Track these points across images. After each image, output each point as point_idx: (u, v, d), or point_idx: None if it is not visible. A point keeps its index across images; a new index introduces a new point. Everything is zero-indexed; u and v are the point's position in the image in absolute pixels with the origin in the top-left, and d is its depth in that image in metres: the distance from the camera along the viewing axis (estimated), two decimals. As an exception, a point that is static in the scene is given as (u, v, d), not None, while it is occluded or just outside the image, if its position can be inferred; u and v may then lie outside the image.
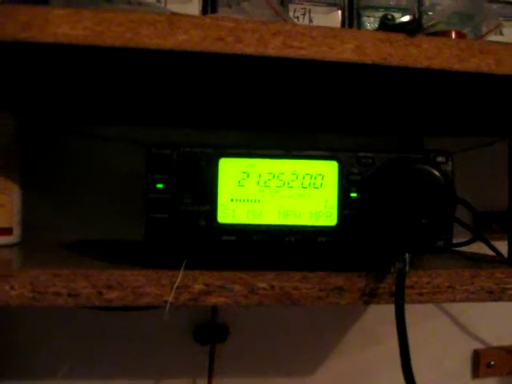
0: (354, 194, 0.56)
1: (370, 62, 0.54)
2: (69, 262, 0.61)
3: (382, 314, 1.01)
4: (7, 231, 0.74)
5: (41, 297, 0.52)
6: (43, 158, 0.93)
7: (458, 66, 0.55)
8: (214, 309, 0.96)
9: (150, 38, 0.50)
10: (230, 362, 0.98)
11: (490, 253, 0.82)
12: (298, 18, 0.73)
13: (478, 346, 1.08)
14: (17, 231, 0.76)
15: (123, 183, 0.92)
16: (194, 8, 0.70)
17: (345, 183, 0.56)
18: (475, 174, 1.04)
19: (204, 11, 0.71)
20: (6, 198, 0.73)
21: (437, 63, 0.55)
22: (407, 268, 0.54)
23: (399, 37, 0.54)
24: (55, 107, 0.83)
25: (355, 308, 1.03)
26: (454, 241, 0.74)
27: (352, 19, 0.76)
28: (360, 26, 0.75)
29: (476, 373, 1.07)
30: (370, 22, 0.75)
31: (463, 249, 0.80)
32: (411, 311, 0.97)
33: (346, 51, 0.53)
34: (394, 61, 0.54)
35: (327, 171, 0.56)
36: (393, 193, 0.53)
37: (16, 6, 0.49)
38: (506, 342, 1.08)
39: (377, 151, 0.56)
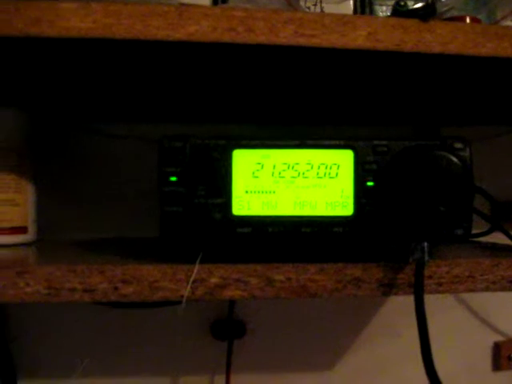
0: (370, 183, 0.55)
1: (383, 48, 0.53)
2: (84, 259, 0.61)
3: (400, 306, 1.00)
4: (22, 230, 0.74)
5: (56, 293, 0.52)
6: (56, 157, 0.93)
7: (473, 51, 0.54)
8: (232, 304, 0.96)
9: (160, 29, 0.50)
10: (248, 357, 0.98)
11: (509, 243, 0.81)
12: (309, 8, 0.72)
13: (499, 338, 1.06)
14: (32, 230, 0.75)
15: (136, 180, 0.92)
16: (205, 0, 0.70)
17: (361, 172, 0.55)
18: (493, 164, 1.03)
19: (215, 2, 0.70)
20: (20, 197, 0.73)
21: (451, 48, 0.54)
22: (426, 258, 0.53)
23: (412, 22, 0.54)
24: (66, 104, 0.83)
25: (373, 300, 1.02)
26: (473, 231, 0.74)
27: (364, 8, 0.75)
28: (372, 14, 0.74)
29: (497, 365, 1.06)
30: (383, 11, 0.74)
31: (482, 239, 0.79)
32: (430, 303, 0.96)
33: (358, 38, 0.52)
34: (408, 47, 0.53)
35: (342, 160, 0.55)
36: (410, 181, 0.52)
37: (25, 1, 0.49)
38: (527, 335, 1.07)
39: (392, 139, 0.55)
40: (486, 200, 0.73)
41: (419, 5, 0.58)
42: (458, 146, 0.55)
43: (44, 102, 0.81)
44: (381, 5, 0.75)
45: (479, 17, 0.69)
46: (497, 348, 1.06)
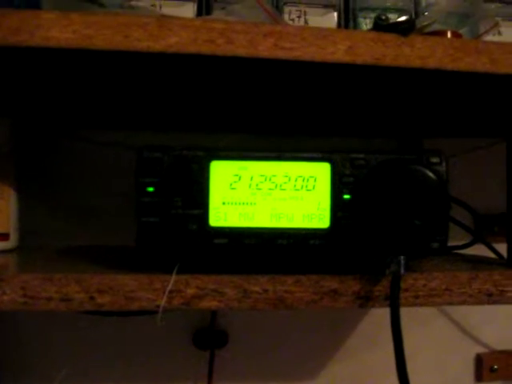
0: (347, 196, 0.55)
1: (362, 62, 0.53)
2: (62, 267, 0.61)
3: (381, 319, 1.00)
4: (4, 236, 0.74)
5: (32, 301, 0.52)
6: (40, 163, 0.93)
7: (451, 66, 0.55)
8: (214, 314, 0.96)
9: (140, 40, 0.50)
10: (230, 367, 0.98)
11: (492, 256, 0.81)
12: (293, 20, 0.73)
13: (481, 350, 1.07)
14: (14, 236, 0.75)
15: (120, 188, 0.92)
16: (189, 12, 0.70)
17: (338, 185, 0.55)
18: (477, 176, 1.03)
19: (199, 14, 0.70)
20: (2, 203, 0.73)
21: (430, 63, 0.54)
22: (402, 271, 0.53)
23: (392, 37, 0.54)
24: (50, 112, 0.83)
25: (354, 312, 1.03)
26: (455, 243, 0.74)
27: (348, 21, 0.75)
28: (356, 27, 0.74)
29: (479, 377, 1.06)
30: (367, 24, 0.75)
31: (464, 251, 0.79)
32: (412, 315, 0.97)
33: (337, 52, 0.53)
34: (387, 61, 0.54)
35: (320, 173, 0.55)
36: (386, 194, 0.52)
37: (5, 11, 0.49)
38: (509, 346, 1.07)
39: (369, 152, 0.56)
40: (468, 213, 0.74)
41: (400, 19, 0.59)
42: (435, 160, 0.55)
43: (28, 109, 0.81)
44: (365, 17, 0.75)
45: (461, 31, 0.70)
46: (479, 360, 1.06)
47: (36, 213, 0.90)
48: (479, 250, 0.79)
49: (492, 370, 1.06)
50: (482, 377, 1.06)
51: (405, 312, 0.52)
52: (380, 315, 1.00)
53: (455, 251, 0.81)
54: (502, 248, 0.80)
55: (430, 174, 0.52)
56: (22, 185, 0.78)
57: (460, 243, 0.79)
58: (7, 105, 0.77)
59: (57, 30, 0.49)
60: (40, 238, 0.88)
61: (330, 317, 1.01)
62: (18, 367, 0.93)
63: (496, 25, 0.75)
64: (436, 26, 0.69)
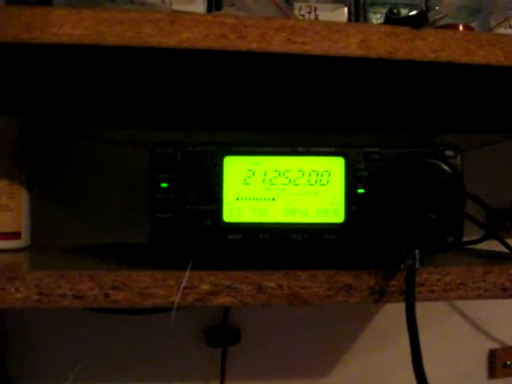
0: (361, 191, 0.55)
1: (375, 56, 0.53)
2: (75, 265, 0.61)
3: (395, 314, 1.00)
4: (16, 235, 0.74)
5: (46, 299, 0.52)
6: (50, 162, 0.93)
7: (465, 59, 0.54)
8: (226, 311, 0.96)
9: (152, 36, 0.50)
10: (243, 364, 0.98)
11: (504, 251, 0.81)
12: (303, 15, 0.72)
13: (494, 345, 1.06)
14: (25, 235, 0.75)
15: (132, 186, 0.92)
16: (199, 7, 0.70)
17: (352, 179, 0.55)
18: (489, 171, 1.03)
19: (209, 9, 0.70)
20: (14, 203, 0.73)
21: (443, 56, 0.54)
22: (417, 265, 0.52)
23: (404, 30, 0.54)
24: (61, 110, 0.83)
25: (368, 308, 1.02)
26: (467, 239, 0.74)
27: (358, 16, 0.75)
28: (366, 22, 0.74)
29: (492, 373, 1.06)
30: (377, 19, 0.74)
31: (476, 247, 0.79)
32: (425, 311, 0.96)
33: (350, 45, 0.52)
34: (400, 54, 0.53)
35: (334, 168, 0.55)
36: (401, 188, 0.52)
37: (17, 7, 0.49)
38: (522, 342, 1.07)
39: (384, 146, 0.55)
40: (480, 208, 0.73)
41: (412, 13, 0.58)
42: (449, 153, 0.55)
43: (38, 108, 0.81)
44: (375, 12, 0.75)
45: (473, 25, 0.69)
46: (492, 355, 1.06)
47: (48, 212, 0.90)
48: (491, 245, 0.79)
49: (505, 366, 1.05)
50: (495, 372, 1.05)
51: (417, 307, 0.52)
52: (393, 311, 1.00)
53: (468, 246, 0.80)
54: (515, 244, 0.79)
55: (445, 168, 0.52)
56: (33, 184, 0.77)
57: (472, 239, 0.79)
58: (18, 103, 0.77)
59: (68, 27, 0.49)
60: (52, 236, 0.88)
61: (342, 313, 1.01)
62: (27, 366, 0.94)
63: (507, 18, 0.74)
64: (447, 20, 0.68)
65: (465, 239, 0.62)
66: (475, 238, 0.77)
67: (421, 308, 0.53)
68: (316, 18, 0.72)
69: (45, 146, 0.93)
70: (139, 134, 0.93)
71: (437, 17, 0.66)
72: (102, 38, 0.49)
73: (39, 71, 0.60)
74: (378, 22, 0.73)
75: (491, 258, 0.69)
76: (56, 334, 0.94)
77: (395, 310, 1.00)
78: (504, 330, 1.06)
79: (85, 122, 0.93)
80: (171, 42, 0.50)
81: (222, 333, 0.96)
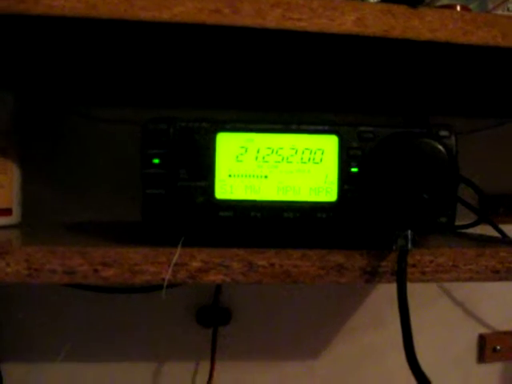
0: (354, 169, 0.54)
1: (371, 34, 0.52)
2: (66, 241, 0.60)
3: (386, 296, 1.00)
4: (7, 212, 0.73)
5: (36, 274, 0.51)
6: (42, 139, 0.92)
7: (462, 39, 0.54)
8: (217, 291, 0.96)
9: (146, 10, 0.49)
10: (233, 344, 0.98)
11: (497, 236, 0.81)
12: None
13: (484, 330, 1.07)
14: (17, 212, 0.75)
15: (125, 165, 0.91)
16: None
17: (345, 158, 0.54)
18: (484, 156, 1.03)
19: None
20: (5, 179, 0.72)
21: (441, 36, 0.53)
22: (409, 246, 0.52)
23: (401, 9, 0.53)
24: (53, 86, 0.82)
25: (360, 289, 1.02)
26: (460, 223, 0.74)
27: (356, -4, 0.74)
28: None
29: (482, 357, 1.06)
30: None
31: (469, 231, 0.79)
32: (415, 294, 0.96)
33: (346, 23, 0.52)
34: (396, 33, 0.53)
35: (327, 146, 0.55)
36: (394, 168, 0.52)
37: (10, -22, 0.48)
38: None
39: (378, 126, 0.55)
40: (474, 192, 0.73)
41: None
42: (444, 133, 0.55)
43: (30, 83, 0.80)
44: (372, -7, 0.74)
45: (471, 6, 0.68)
46: (482, 340, 1.06)
47: (39, 189, 0.90)
48: (484, 230, 0.79)
49: (495, 351, 1.06)
50: (485, 357, 1.06)
51: (408, 291, 0.52)
52: (386, 292, 1.00)
53: (460, 230, 0.80)
54: (507, 229, 0.80)
55: (440, 148, 0.51)
56: (25, 160, 0.77)
57: (465, 223, 0.78)
58: (10, 77, 0.76)
59: (61, -2, 0.48)
60: (43, 213, 0.87)
61: (333, 294, 1.01)
62: (16, 346, 0.93)
63: (505, 0, 0.74)
64: (444, 1, 0.68)
65: (458, 223, 0.62)
66: (468, 222, 0.77)
67: (411, 292, 0.52)
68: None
69: (37, 123, 0.92)
70: (131, 112, 0.92)
71: (435, -4, 0.66)
72: (95, 11, 0.49)
73: (31, 45, 0.59)
74: (375, 1, 0.73)
75: (483, 241, 0.69)
76: (45, 313, 0.93)
77: (387, 292, 1.00)
78: (494, 315, 1.07)
79: (77, 99, 0.92)
80: (164, 15, 0.50)
81: (213, 313, 0.96)
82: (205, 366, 0.96)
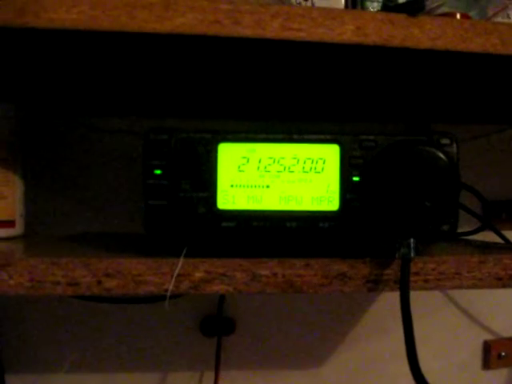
0: (356, 178, 0.55)
1: (371, 43, 0.53)
2: (69, 252, 0.60)
3: (390, 305, 1.00)
4: (10, 223, 0.73)
5: (39, 286, 0.51)
6: (45, 151, 0.92)
7: (462, 47, 0.54)
8: (221, 301, 0.96)
9: (146, 21, 0.50)
10: (237, 354, 0.98)
11: (499, 242, 0.81)
12: (300, 3, 0.72)
13: (489, 336, 1.06)
14: (20, 223, 0.75)
15: (128, 175, 0.91)
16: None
17: (347, 167, 0.55)
18: (485, 163, 1.03)
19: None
20: (8, 191, 0.72)
21: (440, 44, 0.54)
22: (412, 254, 0.52)
23: (401, 17, 0.53)
24: (55, 98, 0.82)
25: (363, 298, 1.02)
26: (463, 230, 0.74)
27: (355, 5, 0.74)
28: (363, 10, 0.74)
29: (487, 364, 1.06)
30: (374, 7, 0.74)
31: (472, 238, 0.79)
32: (420, 302, 0.96)
33: (346, 32, 0.52)
34: (396, 42, 0.53)
35: (329, 155, 0.55)
36: (396, 176, 0.52)
37: (10, -8, 0.48)
38: (517, 333, 1.07)
39: (379, 134, 0.55)
40: (476, 199, 0.73)
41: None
42: (445, 141, 0.55)
43: (32, 95, 0.80)
44: (372, 1, 0.74)
45: (470, 14, 0.69)
46: (487, 346, 1.06)
47: (41, 200, 0.90)
48: (487, 237, 0.79)
49: (500, 357, 1.05)
50: (490, 364, 1.05)
51: (413, 299, 0.52)
52: (389, 300, 1.00)
53: (463, 237, 0.80)
54: (510, 235, 0.79)
55: (441, 156, 0.51)
56: (27, 172, 0.77)
57: (468, 230, 0.78)
58: (13, 90, 0.76)
59: (62, 11, 0.49)
60: (46, 225, 0.88)
61: (337, 304, 1.01)
62: (21, 357, 0.93)
63: (504, 7, 0.74)
64: (444, 9, 0.68)
65: (460, 230, 0.62)
66: (471, 229, 0.77)
67: (416, 299, 0.52)
68: (313, 4, 0.71)
69: (40, 135, 0.92)
70: (133, 122, 0.92)
71: (434, 5, 0.66)
72: (96, 23, 0.49)
73: (33, 57, 0.59)
74: (375, 10, 0.73)
75: (486, 248, 0.69)
76: (49, 324, 0.93)
77: (391, 301, 1.00)
78: (499, 322, 1.06)
79: (79, 110, 0.92)
80: (165, 27, 0.50)
81: (217, 323, 0.96)
82: (209, 376, 0.96)
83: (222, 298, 0.96)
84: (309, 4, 0.71)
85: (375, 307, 1.02)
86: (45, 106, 0.88)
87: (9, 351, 0.93)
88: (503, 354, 1.05)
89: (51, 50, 0.56)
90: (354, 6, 0.74)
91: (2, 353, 0.92)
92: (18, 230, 0.74)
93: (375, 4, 0.74)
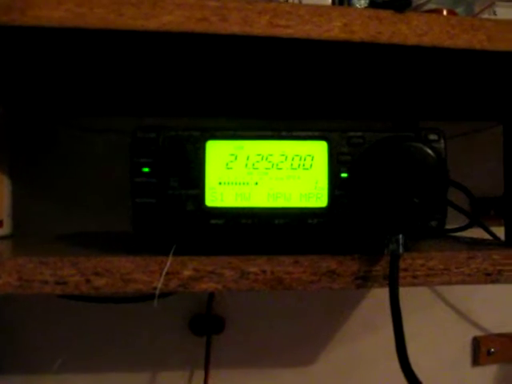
0: (344, 175, 0.55)
1: (358, 39, 0.53)
2: (57, 252, 0.60)
3: (378, 302, 1.00)
4: (-3, 223, 0.73)
5: (28, 285, 0.51)
6: (33, 151, 0.92)
7: (448, 43, 0.54)
8: (210, 299, 0.96)
9: (134, 19, 0.49)
10: (227, 353, 0.98)
11: (488, 238, 0.81)
12: (287, 0, 0.72)
13: (478, 333, 1.07)
14: (7, 223, 0.75)
15: (116, 175, 0.91)
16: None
17: (335, 163, 0.55)
18: (473, 160, 1.03)
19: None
20: (-5, 190, 0.72)
21: (427, 40, 0.54)
22: (401, 250, 0.52)
23: (388, 14, 0.54)
24: (42, 98, 0.82)
25: (352, 295, 1.02)
26: (451, 226, 0.74)
27: (342, 2, 0.75)
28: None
29: (476, 360, 1.06)
30: (361, 5, 0.74)
31: (460, 234, 0.79)
32: (409, 298, 0.96)
33: (333, 29, 0.52)
34: (384, 38, 0.53)
35: (317, 152, 0.55)
36: (384, 172, 0.52)
37: (-5, -11, 0.48)
38: (506, 329, 1.07)
39: (367, 130, 0.55)
40: (464, 196, 0.73)
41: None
42: (433, 137, 0.55)
43: (20, 96, 0.80)
44: (359, -2, 0.74)
45: (457, 10, 0.69)
46: (476, 343, 1.06)
47: (30, 200, 0.90)
48: (475, 233, 0.79)
49: (489, 353, 1.06)
50: (479, 360, 1.06)
51: (401, 295, 0.52)
52: (379, 298, 1.00)
53: (451, 234, 0.81)
54: (498, 231, 0.80)
55: (429, 151, 0.52)
56: (15, 172, 0.77)
57: (456, 226, 0.79)
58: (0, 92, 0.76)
59: (49, 9, 0.48)
60: (34, 225, 0.87)
61: (326, 301, 1.01)
62: (10, 357, 0.93)
63: (491, 4, 0.74)
64: (431, 6, 0.68)
65: (449, 227, 0.62)
66: (459, 225, 0.77)
67: (404, 296, 0.52)
68: (300, 1, 0.71)
69: (27, 135, 0.92)
70: (120, 121, 0.92)
71: (421, 1, 0.66)
72: (83, 21, 0.49)
73: (19, 56, 0.59)
74: (362, 7, 0.73)
75: (475, 244, 0.69)
76: (37, 325, 0.93)
77: (380, 297, 1.00)
78: (488, 318, 1.07)
79: (68, 110, 0.91)
80: (153, 24, 0.50)
81: (206, 321, 0.96)
82: (199, 375, 0.96)
83: (210, 296, 0.96)
84: (296, 1, 0.71)
85: (365, 304, 1.03)
86: (31, 106, 0.88)
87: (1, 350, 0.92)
88: (492, 350, 1.06)
89: (38, 48, 0.56)
90: (341, 3, 0.74)
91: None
92: (5, 229, 0.74)
93: (362, 1, 0.74)
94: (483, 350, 1.06)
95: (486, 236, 0.82)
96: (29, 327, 0.93)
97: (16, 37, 0.51)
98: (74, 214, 0.93)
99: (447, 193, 0.54)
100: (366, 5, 0.70)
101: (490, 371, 1.07)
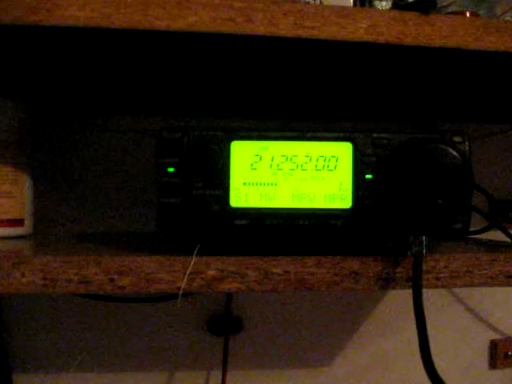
0: (369, 176, 0.54)
1: (383, 41, 0.53)
2: (81, 251, 0.60)
3: (398, 303, 1.00)
4: (19, 222, 0.73)
5: (52, 284, 0.51)
6: (54, 150, 0.92)
7: (473, 45, 0.54)
8: (229, 300, 0.96)
9: (160, 19, 0.50)
10: (245, 353, 0.98)
11: (507, 241, 0.81)
12: (308, 1, 0.72)
13: (496, 336, 1.06)
14: (29, 222, 0.75)
15: (136, 173, 0.91)
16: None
17: (359, 165, 0.54)
18: (493, 162, 1.03)
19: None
20: (17, 189, 0.72)
21: (452, 42, 0.54)
22: (424, 251, 0.52)
23: (413, 15, 0.54)
24: (65, 97, 0.82)
25: (372, 296, 1.02)
26: (471, 229, 0.74)
27: (364, 3, 0.75)
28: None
29: (493, 363, 1.06)
30: (382, 6, 0.74)
31: (480, 237, 0.79)
32: (427, 302, 0.96)
33: (358, 30, 0.52)
34: (408, 40, 0.53)
35: (341, 153, 0.55)
36: (409, 174, 0.52)
37: (23, -11, 0.48)
38: (523, 332, 1.07)
39: (392, 132, 0.55)
40: (484, 198, 0.73)
41: (419, -1, 0.58)
42: (457, 139, 0.55)
43: (43, 94, 0.80)
44: (380, 0, 0.74)
45: (479, 12, 0.69)
46: (494, 346, 1.06)
47: (51, 199, 0.90)
48: (494, 236, 0.79)
49: (506, 357, 1.05)
50: (496, 363, 1.05)
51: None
52: (398, 298, 1.00)
53: (471, 236, 0.80)
54: (517, 234, 0.79)
55: (454, 153, 0.51)
56: (36, 172, 0.77)
57: (475, 229, 0.78)
58: (22, 88, 0.76)
59: (75, 9, 0.49)
60: (55, 224, 0.88)
61: (344, 302, 1.01)
62: (29, 355, 0.93)
63: (513, 6, 0.74)
64: (454, 7, 0.68)
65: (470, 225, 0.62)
66: (478, 228, 0.77)
67: (423, 298, 0.52)
68: (321, 2, 0.72)
69: (50, 134, 0.92)
70: (144, 122, 0.92)
71: (444, 4, 0.66)
72: (109, 21, 0.49)
73: (44, 55, 0.59)
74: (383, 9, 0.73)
75: (495, 246, 0.69)
76: (56, 324, 0.93)
77: (399, 298, 1.00)
78: (506, 321, 1.06)
79: (91, 110, 0.92)
80: (179, 25, 0.50)
81: (224, 321, 0.96)
82: (216, 375, 0.96)
83: (229, 296, 0.96)
84: (317, 1, 0.71)
85: (383, 306, 1.02)
86: (54, 105, 0.88)
87: (16, 350, 0.93)
88: (510, 353, 1.06)
89: (63, 48, 0.56)
90: (362, 5, 0.74)
91: (9, 352, 0.92)
92: (26, 228, 0.74)
93: (384, 3, 0.74)
94: (501, 353, 1.05)
95: (505, 238, 0.81)
96: (46, 326, 0.93)
97: (42, 36, 0.51)
98: (95, 213, 0.93)
99: (472, 195, 0.54)
100: (388, 6, 0.70)
101: (507, 374, 1.07)
